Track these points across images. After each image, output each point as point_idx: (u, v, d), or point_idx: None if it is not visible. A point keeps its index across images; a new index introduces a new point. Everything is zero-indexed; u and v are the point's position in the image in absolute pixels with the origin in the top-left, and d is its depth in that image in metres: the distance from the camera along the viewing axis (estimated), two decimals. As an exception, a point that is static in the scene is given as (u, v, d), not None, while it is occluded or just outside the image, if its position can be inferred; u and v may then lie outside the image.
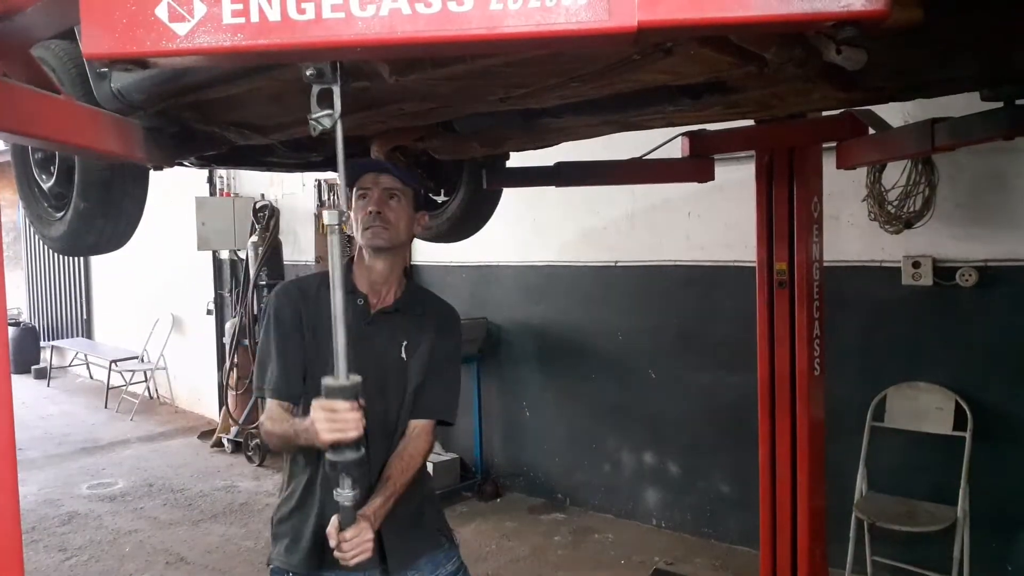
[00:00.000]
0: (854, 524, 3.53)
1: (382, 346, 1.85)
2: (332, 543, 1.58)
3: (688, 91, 1.92)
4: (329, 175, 6.00)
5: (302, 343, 1.80)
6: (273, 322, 1.83)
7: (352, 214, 1.84)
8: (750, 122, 2.85)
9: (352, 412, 1.45)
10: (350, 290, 1.84)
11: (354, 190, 1.84)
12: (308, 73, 1.19)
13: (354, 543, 1.58)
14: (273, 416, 1.79)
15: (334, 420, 1.45)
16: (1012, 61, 1.85)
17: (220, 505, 5.16)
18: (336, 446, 1.47)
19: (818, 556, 2.93)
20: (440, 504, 2.13)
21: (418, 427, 1.87)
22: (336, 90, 1.21)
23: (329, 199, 6.39)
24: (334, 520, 1.59)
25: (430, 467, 3.89)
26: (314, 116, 1.23)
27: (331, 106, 1.22)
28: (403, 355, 1.86)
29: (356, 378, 1.44)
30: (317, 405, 1.49)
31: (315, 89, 1.21)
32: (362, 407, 1.48)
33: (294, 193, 6.59)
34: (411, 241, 1.93)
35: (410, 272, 2.01)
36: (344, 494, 1.54)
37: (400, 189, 1.83)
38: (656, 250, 4.52)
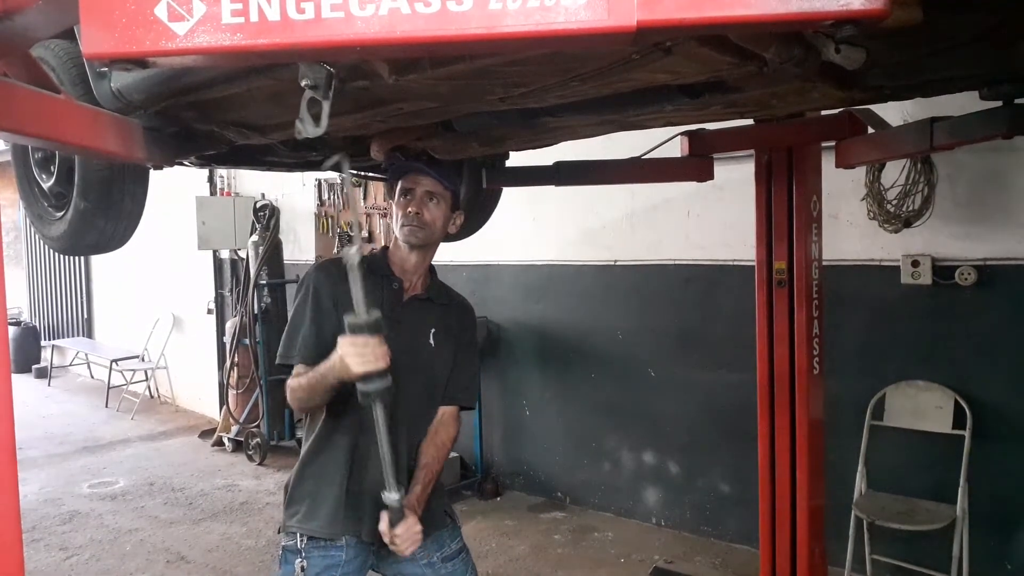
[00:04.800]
0: (853, 522, 3.54)
1: (413, 330, 1.96)
2: (386, 540, 1.76)
3: (687, 90, 1.91)
4: (329, 175, 5.99)
5: (335, 320, 1.85)
6: (312, 295, 1.93)
7: (393, 205, 2.00)
8: (749, 121, 2.85)
9: (378, 344, 1.58)
10: (386, 274, 1.98)
11: (398, 183, 1.98)
12: (304, 83, 1.19)
13: (405, 536, 1.75)
14: (299, 374, 1.87)
15: (363, 353, 1.58)
16: (1011, 60, 1.85)
17: (221, 504, 5.17)
18: (366, 377, 1.58)
19: (817, 554, 2.94)
20: (443, 488, 2.20)
21: (446, 413, 2.02)
22: (325, 106, 1.21)
23: (329, 198, 6.40)
24: (384, 519, 1.75)
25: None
26: (302, 126, 1.23)
27: (319, 120, 1.22)
28: (431, 341, 1.98)
29: (376, 312, 1.58)
30: (344, 341, 1.61)
31: (306, 95, 1.21)
32: (385, 338, 1.61)
33: (294, 192, 6.60)
34: (443, 238, 2.06)
35: (433, 267, 2.12)
36: (391, 497, 1.71)
37: (440, 193, 1.96)
38: (656, 249, 4.53)
